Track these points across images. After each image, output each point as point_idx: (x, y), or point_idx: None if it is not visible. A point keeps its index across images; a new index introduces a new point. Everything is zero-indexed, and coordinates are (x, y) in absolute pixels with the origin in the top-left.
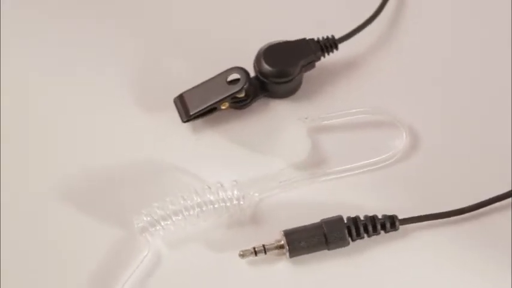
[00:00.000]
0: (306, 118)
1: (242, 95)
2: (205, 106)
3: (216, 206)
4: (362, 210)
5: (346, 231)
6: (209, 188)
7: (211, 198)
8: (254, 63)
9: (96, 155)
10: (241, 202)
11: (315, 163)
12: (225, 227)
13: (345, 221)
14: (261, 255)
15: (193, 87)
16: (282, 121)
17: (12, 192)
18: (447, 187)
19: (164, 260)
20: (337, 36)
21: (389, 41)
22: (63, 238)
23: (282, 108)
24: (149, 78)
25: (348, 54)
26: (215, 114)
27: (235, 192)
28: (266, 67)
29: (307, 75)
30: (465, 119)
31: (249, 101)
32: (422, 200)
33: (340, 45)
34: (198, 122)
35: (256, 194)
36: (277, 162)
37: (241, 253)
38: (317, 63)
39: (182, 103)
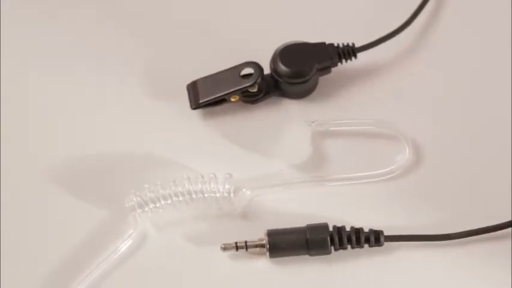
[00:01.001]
0: (313, 122)
1: (255, 89)
2: (215, 96)
3: (206, 195)
4: (354, 221)
5: (328, 239)
6: (202, 177)
7: (202, 187)
8: (270, 61)
9: (96, 144)
10: (232, 195)
11: (315, 168)
12: (214, 218)
13: (330, 229)
14: (242, 251)
15: (206, 76)
16: (289, 121)
17: (11, 176)
18: (444, 208)
19: (149, 241)
20: (358, 44)
21: (410, 55)
22: (57, 216)
23: (293, 108)
24: (154, 74)
25: (367, 62)
26: (224, 105)
27: (226, 185)
28: (281, 66)
29: (324, 79)
30: (474, 143)
31: (260, 96)
32: (417, 219)
33: (360, 54)
34: (206, 111)
35: (248, 192)
36: (276, 162)
37: (223, 246)
38: (335, 69)
39: (194, 90)
